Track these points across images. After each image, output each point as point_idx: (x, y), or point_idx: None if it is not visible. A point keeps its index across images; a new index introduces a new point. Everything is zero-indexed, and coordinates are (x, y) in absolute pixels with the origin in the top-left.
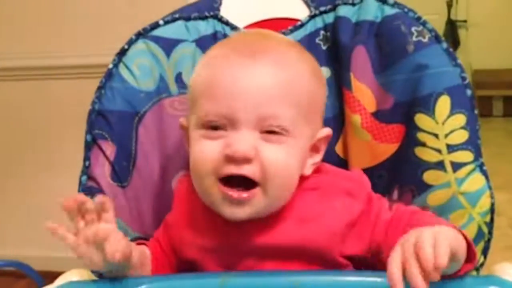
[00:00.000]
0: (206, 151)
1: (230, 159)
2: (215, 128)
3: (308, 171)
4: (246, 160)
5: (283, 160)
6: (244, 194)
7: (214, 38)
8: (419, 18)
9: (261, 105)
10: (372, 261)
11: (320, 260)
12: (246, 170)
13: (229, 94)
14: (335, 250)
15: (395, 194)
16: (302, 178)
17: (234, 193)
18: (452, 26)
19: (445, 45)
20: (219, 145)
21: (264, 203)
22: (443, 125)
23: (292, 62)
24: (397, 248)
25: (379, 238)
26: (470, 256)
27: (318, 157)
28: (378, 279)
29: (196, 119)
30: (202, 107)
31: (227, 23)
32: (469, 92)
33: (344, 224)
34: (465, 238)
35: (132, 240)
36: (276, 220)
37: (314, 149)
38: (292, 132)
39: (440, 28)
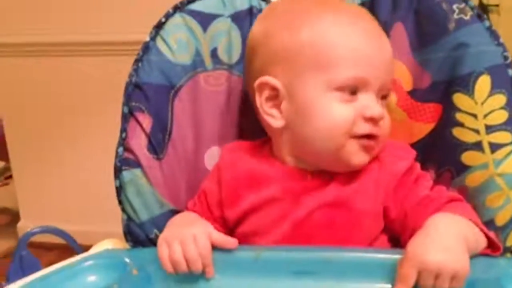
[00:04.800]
0: (345, 113)
1: (370, 120)
2: (353, 92)
3: None
4: (381, 120)
5: (390, 121)
6: (372, 143)
7: (250, 13)
8: None
9: (386, 74)
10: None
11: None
12: (378, 130)
13: (372, 61)
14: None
15: (432, 174)
16: None
17: (370, 142)
18: (483, 11)
19: (487, 23)
20: (354, 107)
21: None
22: (482, 105)
23: None
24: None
25: (408, 208)
26: (493, 247)
27: None
28: None
29: (329, 82)
30: (344, 71)
31: None
32: (510, 72)
33: (391, 178)
34: (486, 234)
35: (168, 213)
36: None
37: None
38: None
39: None
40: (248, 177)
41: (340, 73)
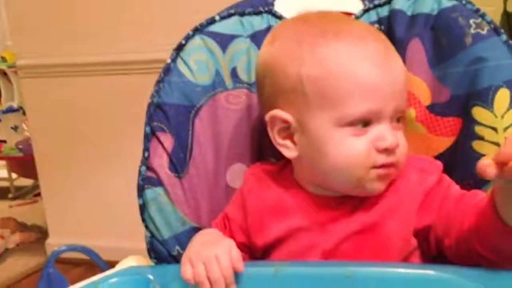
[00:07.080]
0: (359, 148)
1: (385, 151)
2: (365, 124)
3: None
4: (396, 148)
5: (406, 143)
6: (391, 170)
7: (268, 32)
8: (477, 10)
9: (399, 98)
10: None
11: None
12: (394, 157)
13: (382, 93)
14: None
15: None
16: None
17: (386, 171)
18: (508, 18)
19: (504, 37)
20: (368, 139)
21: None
22: (502, 118)
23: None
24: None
25: (450, 207)
26: None
27: None
28: (430, 272)
29: (340, 118)
30: (354, 107)
31: (281, 17)
32: None
33: (421, 195)
34: None
35: (189, 230)
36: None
37: None
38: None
39: (496, 21)
40: (273, 205)
41: (350, 109)
